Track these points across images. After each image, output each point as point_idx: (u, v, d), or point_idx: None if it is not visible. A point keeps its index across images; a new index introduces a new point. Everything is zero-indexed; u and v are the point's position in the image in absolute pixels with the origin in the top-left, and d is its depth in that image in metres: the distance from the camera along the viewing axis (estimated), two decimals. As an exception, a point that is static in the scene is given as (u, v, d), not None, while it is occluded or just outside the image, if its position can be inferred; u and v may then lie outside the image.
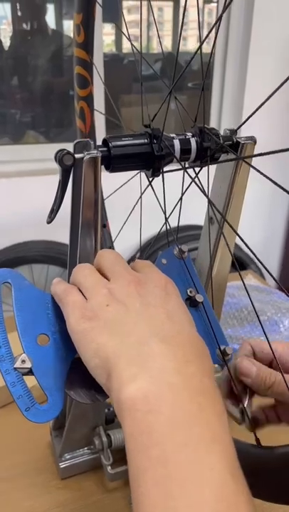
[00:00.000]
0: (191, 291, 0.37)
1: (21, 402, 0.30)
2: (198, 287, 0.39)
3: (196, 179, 0.40)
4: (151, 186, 0.42)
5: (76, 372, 0.33)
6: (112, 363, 0.28)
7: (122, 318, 0.30)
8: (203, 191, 0.39)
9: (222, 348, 0.37)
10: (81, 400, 0.33)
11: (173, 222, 0.46)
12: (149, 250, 1.68)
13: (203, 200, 0.47)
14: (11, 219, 1.67)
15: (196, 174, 0.40)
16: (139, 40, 0.48)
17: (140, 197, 0.47)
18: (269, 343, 0.40)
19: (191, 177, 0.39)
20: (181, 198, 0.43)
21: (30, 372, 0.31)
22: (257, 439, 0.39)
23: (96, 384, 0.30)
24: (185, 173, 0.40)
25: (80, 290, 0.33)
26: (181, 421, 0.25)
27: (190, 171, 0.41)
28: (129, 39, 0.47)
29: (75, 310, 0.31)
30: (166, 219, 0.43)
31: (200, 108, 0.38)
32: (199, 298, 0.37)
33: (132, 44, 0.47)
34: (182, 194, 0.43)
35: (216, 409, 0.26)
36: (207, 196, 0.40)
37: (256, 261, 1.93)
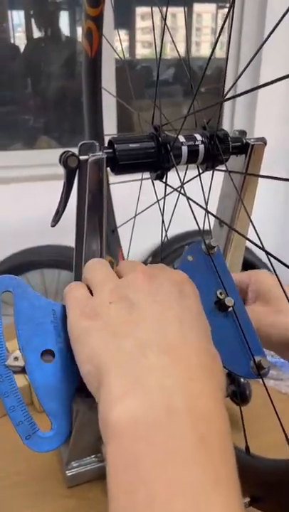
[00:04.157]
0: (221, 293, 0.32)
1: (21, 428, 0.27)
2: (229, 288, 0.34)
3: (200, 184, 0.39)
4: (168, 185, 0.41)
5: None
6: (104, 372, 0.24)
7: (124, 318, 0.26)
8: (189, 202, 0.38)
9: (257, 359, 0.33)
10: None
11: (189, 226, 0.45)
12: (160, 255, 1.67)
13: (214, 203, 0.46)
14: (24, 224, 1.68)
15: (213, 170, 0.39)
16: (160, 45, 0.48)
17: (160, 199, 0.46)
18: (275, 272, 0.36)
19: (172, 186, 0.38)
20: (174, 206, 0.42)
21: (23, 371, 0.28)
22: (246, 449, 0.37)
23: None
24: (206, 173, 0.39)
25: (89, 288, 0.30)
26: (177, 456, 0.20)
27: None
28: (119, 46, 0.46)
29: (76, 306, 0.28)
30: (164, 221, 0.42)
31: (212, 112, 0.37)
32: (229, 302, 0.32)
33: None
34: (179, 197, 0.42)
35: (221, 442, 0.21)
36: (204, 205, 0.39)
37: (269, 265, 1.90)
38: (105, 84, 0.65)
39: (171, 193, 0.40)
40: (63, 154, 0.35)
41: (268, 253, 0.30)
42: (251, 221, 0.45)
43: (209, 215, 0.39)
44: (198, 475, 0.19)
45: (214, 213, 0.47)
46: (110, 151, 0.37)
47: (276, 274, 0.36)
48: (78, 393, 0.30)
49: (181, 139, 0.38)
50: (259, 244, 0.31)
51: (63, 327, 0.30)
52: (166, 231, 0.43)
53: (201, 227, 0.40)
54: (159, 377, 0.23)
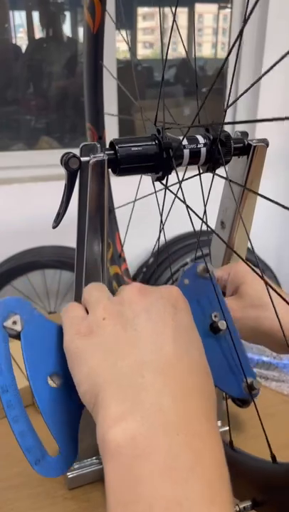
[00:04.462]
0: (215, 316, 0.33)
1: (31, 454, 0.27)
2: (223, 311, 0.35)
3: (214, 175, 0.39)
4: (168, 188, 0.41)
5: None
6: (101, 391, 0.24)
7: (119, 336, 0.26)
8: (188, 210, 0.38)
9: (249, 380, 0.34)
10: None
11: (190, 227, 0.45)
12: (160, 257, 1.67)
13: (215, 205, 0.46)
14: (25, 224, 1.68)
15: (213, 172, 0.39)
16: (167, 45, 0.47)
17: (164, 203, 0.46)
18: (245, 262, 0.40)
19: (171, 191, 0.37)
20: (167, 210, 0.42)
21: (17, 336, 0.27)
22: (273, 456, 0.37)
23: None
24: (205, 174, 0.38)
25: (86, 309, 0.30)
26: (174, 472, 0.21)
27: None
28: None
29: (71, 326, 0.28)
30: (162, 220, 0.42)
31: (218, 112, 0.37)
32: (222, 325, 0.33)
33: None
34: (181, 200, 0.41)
35: (216, 459, 0.22)
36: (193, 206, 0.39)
37: (271, 267, 1.91)
38: (106, 84, 0.65)
39: (173, 199, 0.40)
40: (65, 156, 0.35)
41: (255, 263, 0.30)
42: (247, 233, 0.45)
43: (210, 214, 0.39)
44: (194, 491, 0.20)
45: (216, 213, 0.47)
46: (112, 152, 0.36)
47: (260, 275, 0.36)
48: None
49: (184, 141, 0.38)
50: (261, 246, 0.31)
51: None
52: (163, 232, 0.43)
53: (201, 230, 0.40)
54: (156, 397, 0.23)
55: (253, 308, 0.40)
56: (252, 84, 0.29)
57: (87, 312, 0.30)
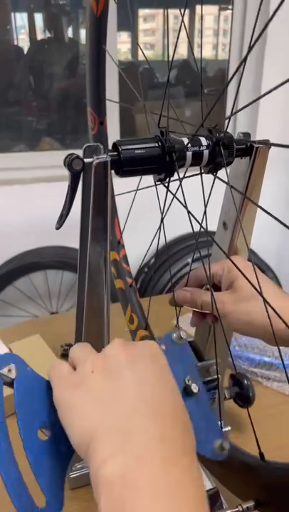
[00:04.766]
0: (188, 380, 0.36)
1: (21, 507, 0.28)
2: (194, 377, 0.38)
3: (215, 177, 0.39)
4: (169, 191, 0.41)
5: None
6: (92, 440, 0.27)
7: (106, 386, 0.29)
8: (189, 215, 0.38)
9: (219, 442, 0.36)
10: None
11: (190, 229, 0.45)
12: (161, 258, 1.67)
13: (217, 206, 0.46)
14: (26, 225, 1.68)
15: (215, 174, 0.39)
16: (175, 45, 0.47)
17: (164, 205, 0.46)
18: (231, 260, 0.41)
19: (171, 192, 0.38)
20: (165, 211, 0.42)
21: (11, 384, 0.30)
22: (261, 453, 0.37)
23: None
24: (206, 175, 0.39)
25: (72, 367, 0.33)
26: (159, 503, 0.24)
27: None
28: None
29: (61, 381, 0.31)
30: (162, 219, 0.42)
31: (202, 112, 0.37)
32: (195, 388, 0.36)
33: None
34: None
35: (195, 489, 0.26)
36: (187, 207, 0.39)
37: (272, 267, 1.91)
38: (108, 84, 0.65)
39: (172, 200, 0.40)
40: (68, 157, 0.35)
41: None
42: (245, 240, 0.45)
43: (212, 214, 0.39)
44: (178, 505, 0.24)
45: (217, 213, 0.47)
46: (115, 153, 0.37)
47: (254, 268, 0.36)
48: None
49: (186, 143, 0.38)
50: (262, 247, 0.31)
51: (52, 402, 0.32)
52: (162, 232, 0.43)
53: (200, 232, 0.41)
54: (144, 440, 0.26)
55: (245, 302, 0.42)
56: (257, 98, 0.29)
57: (74, 369, 0.32)
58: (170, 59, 0.39)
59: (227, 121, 0.41)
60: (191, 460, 0.27)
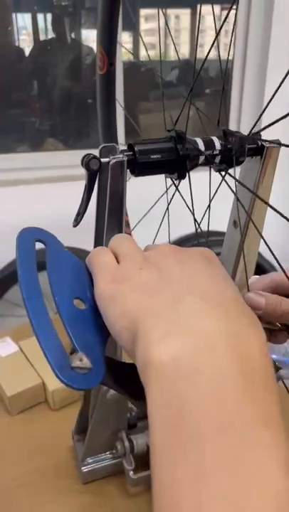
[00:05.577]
0: None
1: (53, 359, 0.25)
2: None
3: (223, 179, 0.40)
4: (178, 190, 0.42)
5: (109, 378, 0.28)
6: (140, 321, 0.23)
7: (157, 280, 0.26)
8: (231, 190, 0.39)
9: None
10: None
11: (201, 227, 0.46)
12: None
13: (228, 205, 0.47)
14: (31, 225, 1.68)
15: (223, 175, 0.40)
16: (196, 45, 0.48)
17: (169, 204, 0.47)
18: (284, 272, 0.37)
19: (221, 175, 0.38)
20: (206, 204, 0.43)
21: (89, 371, 0.25)
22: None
23: (131, 391, 0.27)
24: (217, 174, 0.39)
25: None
26: (221, 393, 0.19)
27: (216, 173, 0.41)
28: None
29: (107, 273, 0.28)
30: (167, 215, 0.43)
31: (220, 112, 0.38)
32: None
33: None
34: (213, 196, 0.43)
35: (265, 381, 0.21)
36: (235, 194, 0.40)
37: (275, 265, 1.91)
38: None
39: (171, 198, 0.41)
40: (85, 157, 0.36)
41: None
42: (259, 231, 0.46)
43: (222, 212, 0.40)
44: (243, 411, 0.19)
45: (228, 212, 0.48)
46: (130, 153, 0.37)
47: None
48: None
49: (200, 145, 0.39)
50: (271, 247, 0.32)
51: (90, 284, 0.29)
52: (166, 231, 0.44)
53: (208, 231, 0.41)
54: (199, 319, 0.22)
55: None
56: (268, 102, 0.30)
57: (117, 260, 0.29)
58: (194, 59, 0.39)
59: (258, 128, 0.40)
60: (259, 347, 0.22)
